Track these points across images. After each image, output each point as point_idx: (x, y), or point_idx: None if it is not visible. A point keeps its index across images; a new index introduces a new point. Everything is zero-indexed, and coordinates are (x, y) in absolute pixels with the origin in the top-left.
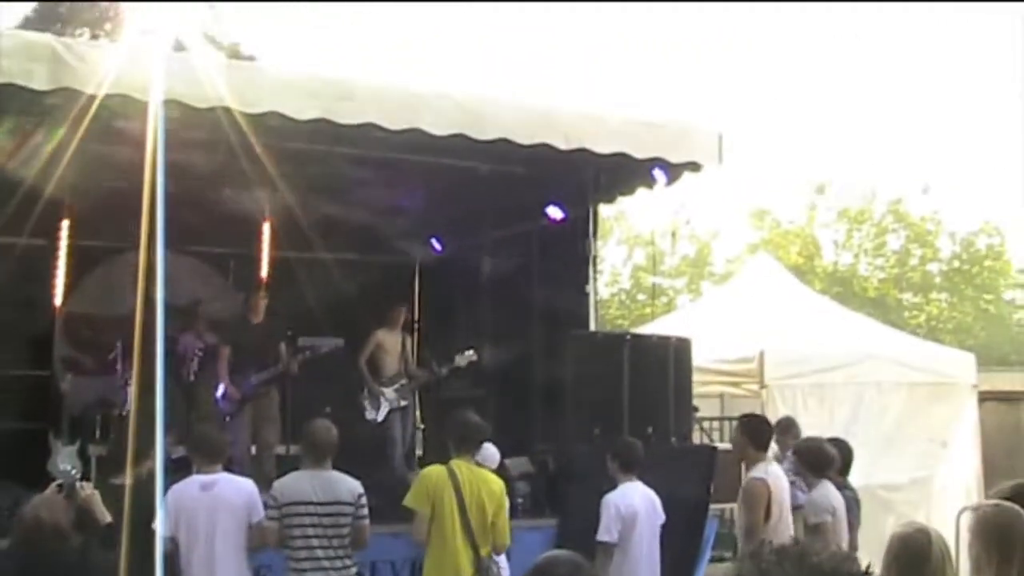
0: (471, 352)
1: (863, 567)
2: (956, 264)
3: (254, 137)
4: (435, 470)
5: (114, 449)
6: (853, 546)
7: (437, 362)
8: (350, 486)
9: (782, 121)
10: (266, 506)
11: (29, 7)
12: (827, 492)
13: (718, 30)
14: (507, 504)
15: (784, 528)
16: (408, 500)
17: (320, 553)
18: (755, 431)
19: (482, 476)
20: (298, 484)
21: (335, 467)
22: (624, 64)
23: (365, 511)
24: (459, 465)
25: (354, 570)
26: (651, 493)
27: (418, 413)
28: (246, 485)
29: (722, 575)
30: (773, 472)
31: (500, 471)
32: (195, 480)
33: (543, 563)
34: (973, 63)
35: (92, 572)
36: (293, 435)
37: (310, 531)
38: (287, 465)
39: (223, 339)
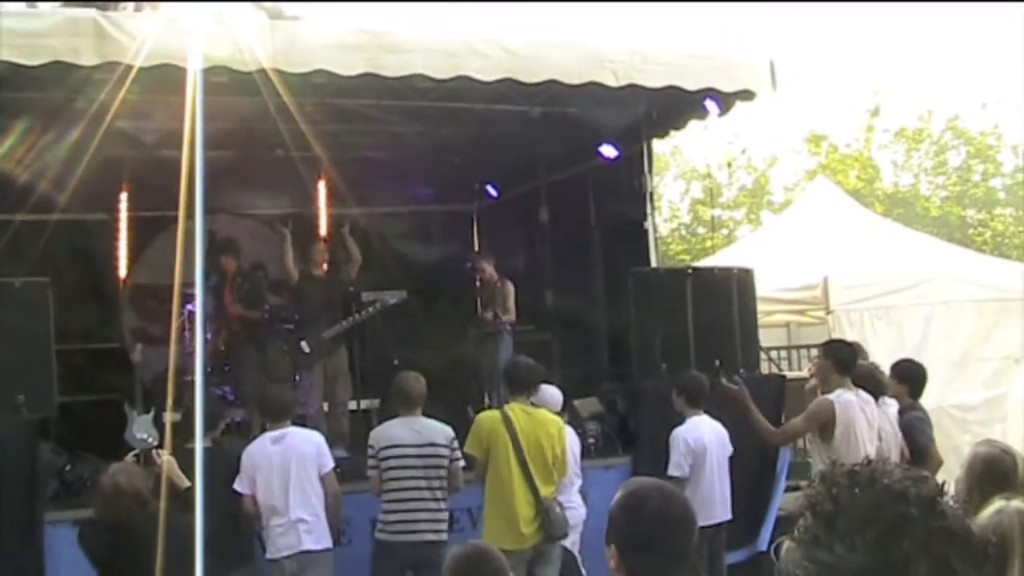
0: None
1: (938, 486)
2: (1020, 178)
3: (303, 96)
4: (488, 415)
5: (188, 416)
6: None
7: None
8: (444, 430)
9: (833, 43)
10: (368, 456)
11: None
12: None
13: None
14: (568, 441)
15: (851, 452)
16: (466, 446)
17: (415, 495)
18: (838, 355)
19: (539, 418)
20: (392, 430)
21: None
22: None
23: (459, 454)
24: (513, 408)
25: (446, 515)
26: (718, 426)
27: None
28: (314, 435)
29: (794, 500)
30: (846, 397)
31: (569, 412)
32: (266, 437)
33: (631, 498)
34: None
35: (174, 536)
36: (364, 390)
37: (406, 472)
38: (359, 420)
39: (287, 297)
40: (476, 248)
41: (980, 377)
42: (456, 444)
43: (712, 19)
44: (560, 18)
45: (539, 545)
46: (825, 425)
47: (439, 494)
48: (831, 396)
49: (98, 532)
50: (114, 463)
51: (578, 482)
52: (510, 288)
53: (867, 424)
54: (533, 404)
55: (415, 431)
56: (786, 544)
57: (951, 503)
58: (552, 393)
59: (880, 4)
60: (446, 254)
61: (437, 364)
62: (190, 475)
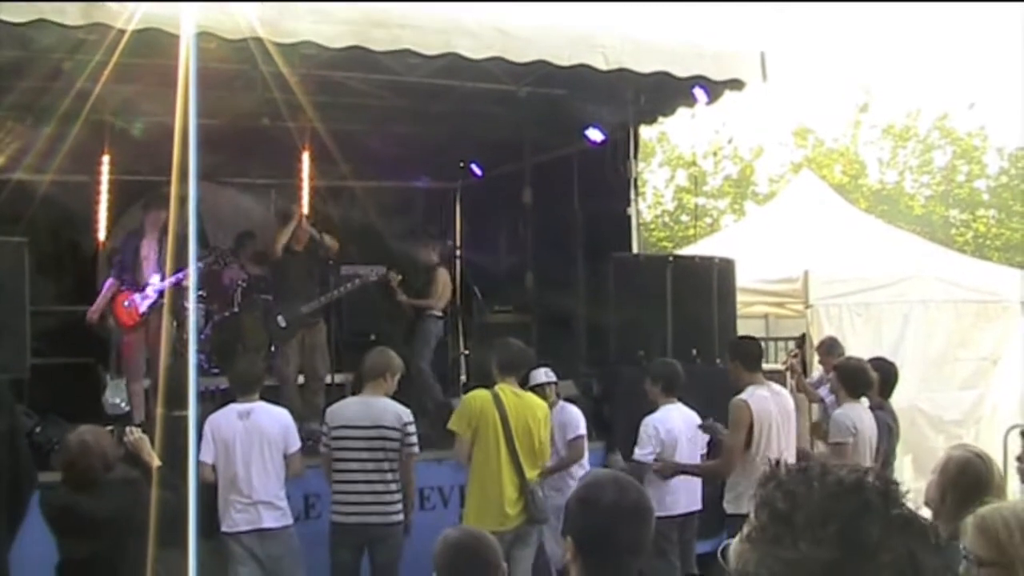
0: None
1: (892, 479)
2: (1004, 180)
3: (289, 67)
4: (479, 394)
5: (171, 384)
6: (882, 465)
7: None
8: (397, 412)
9: (824, 37)
10: (322, 434)
11: None
12: (850, 413)
13: None
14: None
15: (771, 449)
16: (451, 423)
17: (362, 477)
18: (744, 353)
19: (527, 401)
20: (346, 410)
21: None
22: None
23: (413, 439)
24: (503, 390)
25: (398, 496)
26: (691, 414)
27: (462, 339)
28: (281, 415)
29: (747, 500)
30: (759, 394)
31: (544, 395)
32: (232, 409)
33: (587, 489)
34: None
35: (138, 504)
36: (339, 365)
37: (352, 455)
38: (335, 395)
39: (269, 269)
40: (459, 226)
41: (957, 378)
42: (412, 429)
43: (703, 8)
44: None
45: (520, 527)
46: (748, 430)
47: (388, 476)
48: (744, 396)
49: (59, 496)
50: (82, 426)
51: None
52: (442, 275)
53: (782, 416)
54: (522, 387)
55: (367, 411)
56: (735, 545)
57: (903, 493)
58: (541, 372)
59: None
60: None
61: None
62: (173, 443)
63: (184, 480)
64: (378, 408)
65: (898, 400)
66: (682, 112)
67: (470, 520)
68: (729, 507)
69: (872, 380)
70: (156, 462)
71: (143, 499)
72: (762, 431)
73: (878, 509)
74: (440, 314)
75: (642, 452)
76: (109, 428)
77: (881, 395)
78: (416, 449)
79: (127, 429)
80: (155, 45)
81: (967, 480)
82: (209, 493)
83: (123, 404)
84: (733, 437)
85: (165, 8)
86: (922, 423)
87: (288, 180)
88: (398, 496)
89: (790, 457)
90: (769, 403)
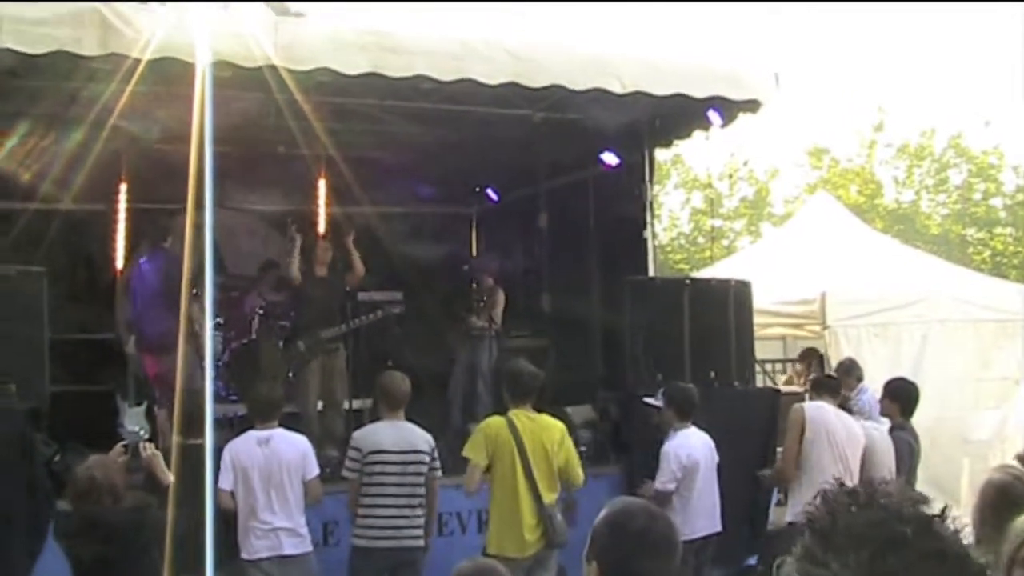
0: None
1: (940, 508)
2: (1021, 198)
3: (305, 94)
4: (494, 421)
5: (187, 412)
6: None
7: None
8: (426, 437)
9: (838, 58)
10: (349, 459)
11: None
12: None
13: None
14: (572, 445)
15: (821, 456)
16: (466, 450)
17: (393, 502)
18: (830, 389)
19: (542, 423)
20: (379, 435)
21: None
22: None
23: (438, 463)
24: (517, 415)
25: (423, 521)
26: (707, 438)
27: None
28: (300, 442)
29: (790, 515)
30: (818, 403)
31: (562, 419)
32: (251, 436)
33: (617, 515)
34: None
35: (148, 532)
36: (356, 390)
37: (387, 479)
38: (352, 420)
39: (288, 296)
40: (475, 251)
41: (979, 398)
42: (436, 453)
43: (718, 30)
44: (565, 22)
45: (539, 552)
46: (800, 433)
47: (415, 501)
48: (803, 403)
49: (71, 524)
50: (93, 455)
51: None
52: (501, 296)
53: (845, 434)
54: (537, 410)
55: (400, 436)
56: (787, 560)
57: (951, 526)
58: None
59: (887, 19)
60: (444, 256)
61: (430, 366)
62: (190, 471)
63: (199, 505)
64: (411, 432)
65: (920, 420)
66: (698, 135)
67: (492, 547)
68: (788, 517)
69: (839, 386)
70: (170, 478)
71: (154, 524)
72: (815, 438)
73: (912, 541)
74: (495, 332)
75: (669, 483)
76: (123, 444)
77: (903, 415)
78: (440, 473)
79: (141, 445)
80: (171, 74)
81: (1004, 502)
82: (228, 519)
83: (141, 432)
84: (788, 441)
85: (180, 37)
86: (944, 443)
87: (305, 207)
88: (423, 520)
89: (854, 479)
90: (829, 415)
